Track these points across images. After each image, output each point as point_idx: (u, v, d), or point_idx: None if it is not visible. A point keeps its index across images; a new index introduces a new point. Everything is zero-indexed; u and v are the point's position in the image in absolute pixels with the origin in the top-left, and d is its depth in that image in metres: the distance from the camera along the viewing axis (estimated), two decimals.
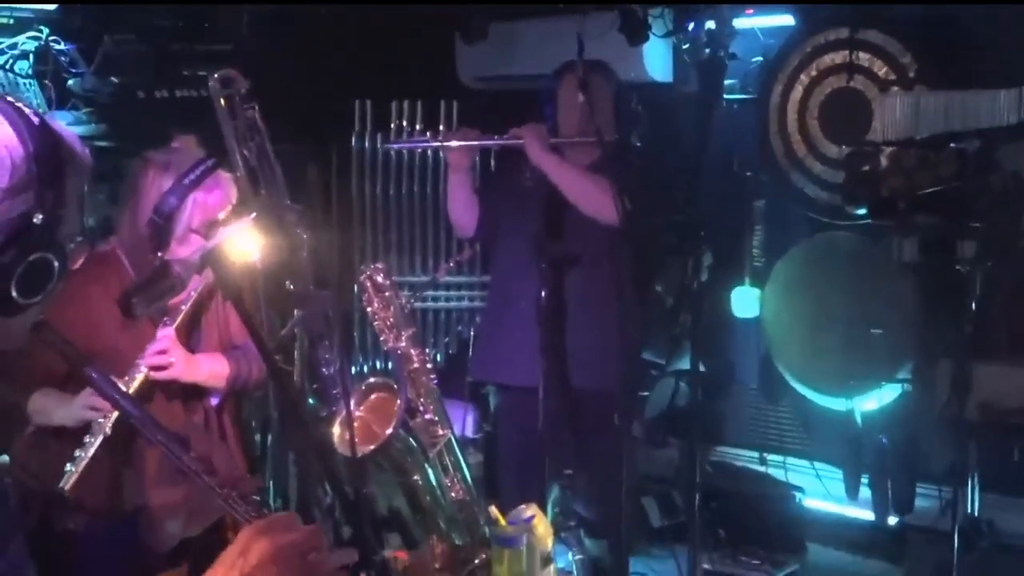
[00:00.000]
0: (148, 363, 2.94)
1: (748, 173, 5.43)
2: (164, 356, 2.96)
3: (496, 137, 4.24)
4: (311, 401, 4.23)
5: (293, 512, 1.77)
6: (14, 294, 1.42)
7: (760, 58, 5.41)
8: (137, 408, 1.89)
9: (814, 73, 5.12)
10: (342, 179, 5.51)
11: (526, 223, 4.13)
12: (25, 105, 1.48)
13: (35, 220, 1.41)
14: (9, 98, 1.49)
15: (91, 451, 2.85)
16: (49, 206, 1.43)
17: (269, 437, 4.54)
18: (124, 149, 4.54)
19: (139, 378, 2.92)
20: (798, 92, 5.17)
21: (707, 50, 4.78)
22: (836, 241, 5.11)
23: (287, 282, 3.87)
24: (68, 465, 2.74)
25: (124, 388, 2.88)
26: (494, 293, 4.43)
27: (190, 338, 3.09)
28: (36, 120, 1.45)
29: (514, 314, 4.10)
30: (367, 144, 5.45)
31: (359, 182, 5.46)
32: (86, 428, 2.87)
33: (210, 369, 3.13)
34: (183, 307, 3.01)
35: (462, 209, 4.33)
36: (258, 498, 1.86)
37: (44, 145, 1.44)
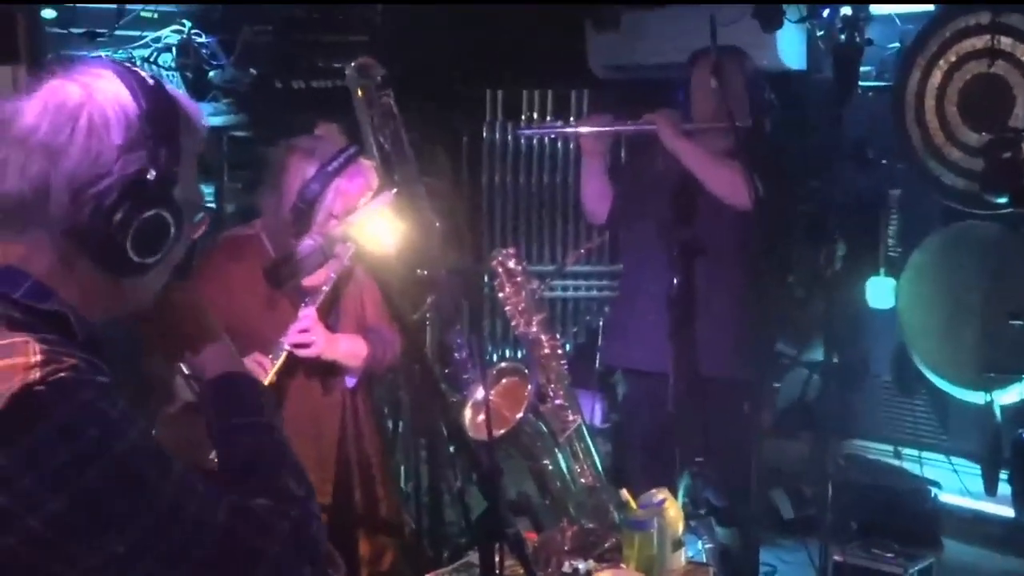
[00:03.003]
0: (291, 341, 3.02)
1: (884, 161, 5.32)
2: (306, 335, 3.04)
3: (629, 123, 4.24)
4: (442, 385, 4.30)
5: None
6: (130, 252, 1.42)
7: (897, 44, 5.30)
8: None
9: (953, 59, 4.99)
10: (473, 168, 5.56)
11: (657, 210, 4.13)
12: (141, 69, 1.50)
13: (148, 177, 1.42)
14: (126, 63, 1.52)
15: None
16: (163, 164, 1.44)
17: (400, 422, 4.63)
18: (262, 138, 4.66)
19: (282, 356, 3.00)
20: (936, 78, 5.04)
21: (842, 36, 4.70)
22: (975, 230, 4.98)
23: (419, 268, 3.95)
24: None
25: (269, 364, 2.97)
26: (626, 280, 4.44)
27: (328, 319, 3.16)
28: (151, 81, 1.47)
29: (645, 300, 4.10)
30: (498, 134, 5.49)
31: (489, 171, 5.51)
32: None
33: (348, 349, 3.19)
34: (324, 289, 3.09)
35: (595, 195, 4.33)
36: None
37: (158, 104, 1.45)
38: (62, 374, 1.29)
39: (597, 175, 4.32)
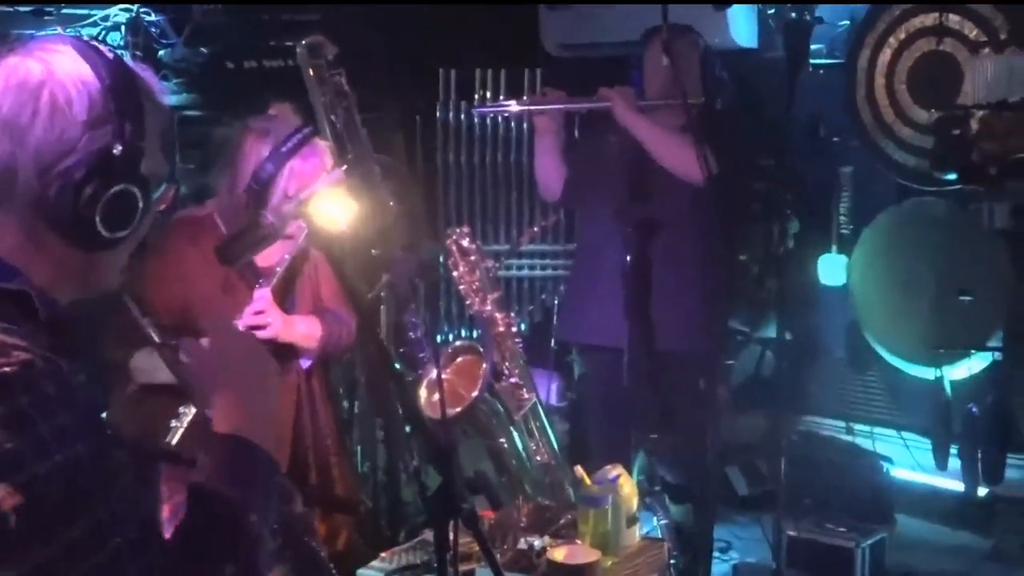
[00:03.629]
0: (246, 323, 3.00)
1: (835, 139, 5.36)
2: (262, 316, 3.02)
3: (583, 99, 4.24)
4: (397, 365, 4.29)
5: None
6: (99, 227, 1.42)
7: (847, 22, 5.34)
8: None
9: (903, 36, 5.03)
10: (427, 147, 5.54)
11: (612, 186, 4.14)
12: (100, 43, 1.49)
13: (115, 151, 1.41)
14: (84, 38, 1.51)
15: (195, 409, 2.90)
16: (128, 138, 1.43)
17: (356, 403, 4.62)
18: (214, 118, 4.61)
19: None
20: (886, 56, 5.09)
21: (792, 14, 4.72)
22: (925, 207, 5.04)
23: (374, 247, 3.92)
24: (173, 422, 2.78)
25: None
26: (581, 256, 4.45)
27: (284, 301, 3.14)
28: (111, 55, 1.46)
29: (600, 276, 4.11)
30: (451, 113, 5.47)
31: (443, 150, 5.49)
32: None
33: (305, 330, 3.18)
34: (278, 270, 3.07)
35: (549, 173, 4.33)
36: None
37: (120, 79, 1.44)
38: (6, 369, 1.26)
39: (550, 152, 4.31)
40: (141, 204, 1.46)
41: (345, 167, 2.06)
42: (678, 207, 4.02)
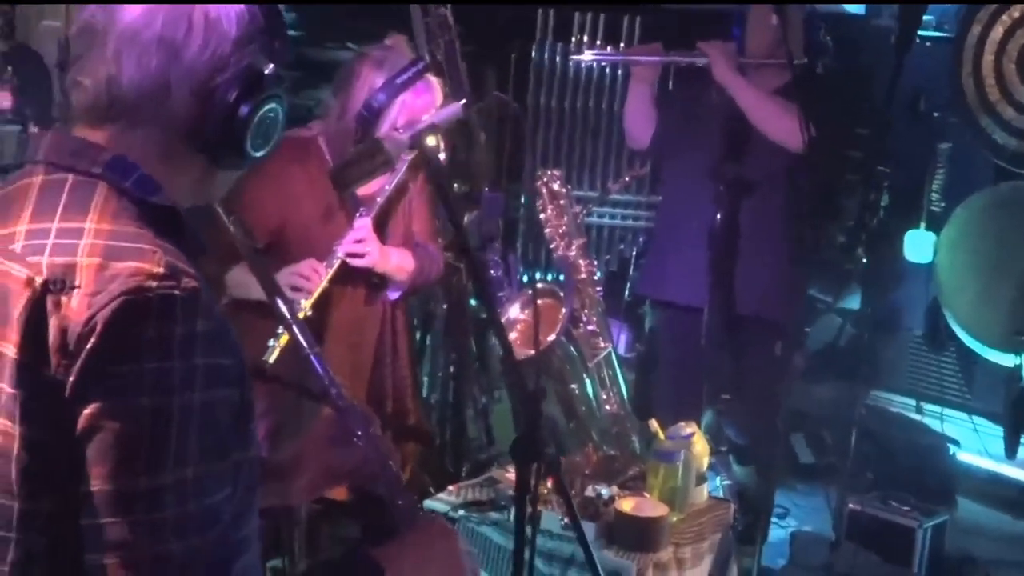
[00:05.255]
0: (346, 250, 3.02)
1: (936, 114, 5.25)
2: (362, 245, 3.03)
3: (682, 53, 4.19)
4: (474, 302, 4.30)
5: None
6: (248, 146, 1.42)
7: None
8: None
9: (1017, 15, 4.89)
10: (519, 87, 5.50)
11: (704, 143, 4.09)
12: None
13: (266, 70, 1.41)
14: None
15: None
16: (277, 56, 1.43)
17: (429, 335, 4.64)
18: (313, 40, 4.61)
19: (336, 264, 3.00)
20: (997, 33, 4.95)
21: None
22: (1020, 191, 4.93)
23: (461, 183, 3.93)
24: (271, 341, 2.80)
25: (324, 271, 2.97)
26: (665, 211, 4.41)
27: (379, 232, 3.15)
28: None
29: (684, 233, 4.08)
30: (547, 54, 5.42)
31: (535, 91, 5.44)
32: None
33: (399, 262, 3.19)
34: (378, 200, 3.08)
35: (640, 121, 4.29)
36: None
37: None
38: (176, 292, 1.25)
39: (643, 100, 4.27)
40: (282, 123, 1.47)
41: (464, 103, 2.04)
42: (771, 170, 3.97)
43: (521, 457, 1.78)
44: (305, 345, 2.27)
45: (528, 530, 1.83)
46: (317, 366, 2.26)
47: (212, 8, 1.38)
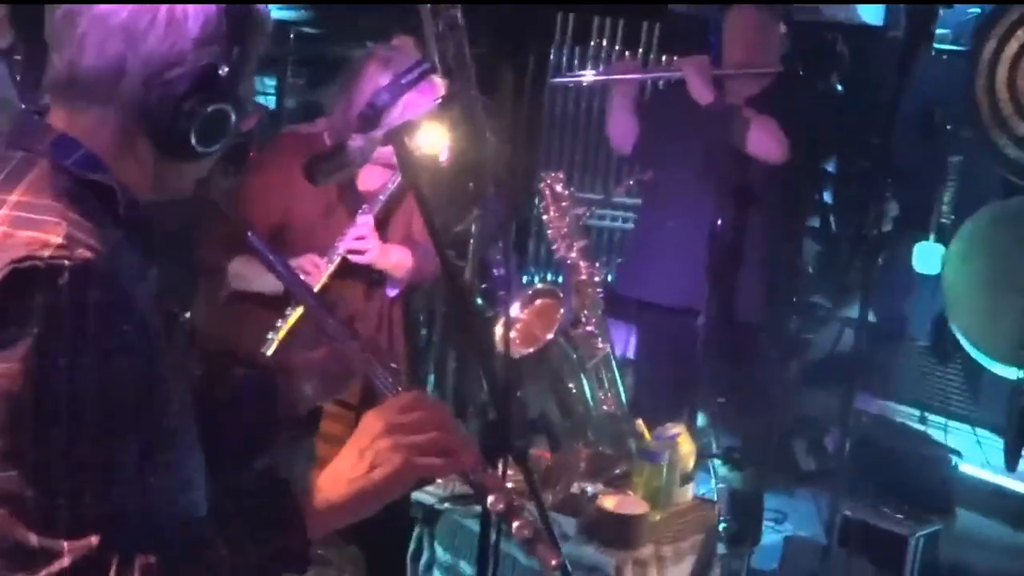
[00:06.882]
0: (347, 247, 3.09)
1: (948, 127, 5.27)
2: (363, 241, 3.10)
3: (658, 69, 4.26)
4: (478, 301, 4.35)
5: (419, 391, 1.82)
6: (193, 140, 1.48)
7: (977, 9, 5.22)
8: (288, 270, 1.99)
9: None
10: (535, 89, 5.53)
11: (686, 150, 4.11)
12: None
13: (220, 72, 1.48)
14: None
15: (292, 321, 2.99)
16: (234, 61, 1.50)
17: (433, 334, 4.70)
18: (329, 37, 4.67)
19: (336, 260, 3.07)
20: (1012, 48, 4.96)
21: None
22: None
23: (468, 180, 3.97)
24: (270, 334, 2.87)
25: (325, 266, 3.04)
26: (650, 210, 4.43)
27: (380, 229, 3.21)
28: None
29: (668, 234, 4.12)
30: (565, 57, 5.47)
31: (551, 93, 5.49)
32: (284, 298, 2.97)
33: (398, 259, 3.25)
34: (380, 197, 3.14)
35: (622, 128, 4.34)
36: (396, 366, 1.91)
37: (236, 3, 1.51)
38: (65, 262, 1.32)
39: (623, 110, 4.32)
40: (233, 124, 1.53)
41: (439, 101, 2.09)
42: (752, 176, 4.00)
43: (489, 448, 1.83)
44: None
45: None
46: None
47: (180, 7, 1.46)
